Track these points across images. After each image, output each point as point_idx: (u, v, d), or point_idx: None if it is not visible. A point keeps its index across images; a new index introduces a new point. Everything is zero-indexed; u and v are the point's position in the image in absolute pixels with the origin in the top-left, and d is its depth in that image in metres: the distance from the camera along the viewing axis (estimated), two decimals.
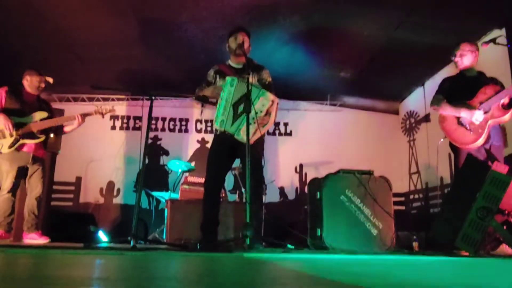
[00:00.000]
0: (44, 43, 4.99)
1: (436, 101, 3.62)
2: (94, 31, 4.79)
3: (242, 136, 3.03)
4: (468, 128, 3.43)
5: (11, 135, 3.84)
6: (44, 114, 4.05)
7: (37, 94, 4.14)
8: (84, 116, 4.11)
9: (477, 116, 3.36)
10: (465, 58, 3.58)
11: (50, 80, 4.14)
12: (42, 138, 4.00)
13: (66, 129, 4.24)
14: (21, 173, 3.94)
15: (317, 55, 5.38)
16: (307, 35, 4.85)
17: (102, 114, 4.14)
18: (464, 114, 3.44)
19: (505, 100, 3.32)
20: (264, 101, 3.09)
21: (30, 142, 3.93)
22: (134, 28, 4.71)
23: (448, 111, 3.54)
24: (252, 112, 3.02)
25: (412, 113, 6.38)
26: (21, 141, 3.89)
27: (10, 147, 3.84)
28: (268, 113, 3.11)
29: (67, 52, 5.22)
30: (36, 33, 4.75)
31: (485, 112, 3.36)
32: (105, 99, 6.64)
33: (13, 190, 3.87)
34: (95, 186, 6.45)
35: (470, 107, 3.43)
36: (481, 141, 3.36)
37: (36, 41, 4.94)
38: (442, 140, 3.72)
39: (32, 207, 4.00)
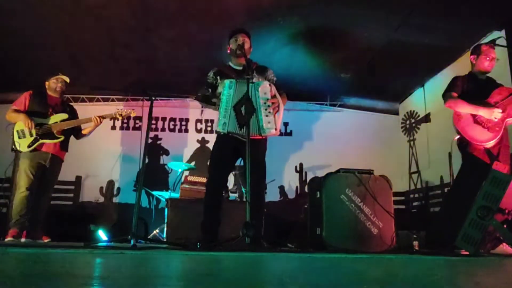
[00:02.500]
0: (44, 43, 4.99)
1: (451, 98, 3.59)
2: (94, 31, 4.79)
3: (267, 128, 3.16)
4: (484, 126, 3.43)
5: (31, 135, 3.95)
6: (64, 116, 4.16)
7: (60, 98, 4.27)
8: (101, 118, 4.19)
9: (496, 114, 3.37)
10: (493, 62, 3.58)
11: (66, 78, 4.25)
12: (61, 138, 4.09)
13: (84, 131, 4.33)
14: (40, 172, 4.00)
15: (317, 56, 5.37)
16: (306, 35, 4.85)
17: (122, 117, 4.25)
18: (482, 112, 3.44)
19: None
20: (264, 88, 3.19)
21: (49, 142, 4.04)
22: (133, 28, 4.71)
23: (466, 108, 3.52)
24: (262, 104, 3.16)
25: (412, 113, 6.38)
26: (40, 141, 3.99)
27: (29, 146, 3.96)
28: (272, 95, 3.23)
29: (67, 52, 5.22)
30: (36, 33, 4.75)
31: (502, 112, 3.38)
32: (105, 100, 6.65)
33: (31, 189, 3.92)
34: (95, 185, 6.45)
35: (488, 105, 3.43)
36: (497, 139, 3.38)
37: (36, 41, 4.94)
38: (456, 138, 3.71)
39: (42, 205, 4.09)
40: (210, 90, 3.49)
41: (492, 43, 3.56)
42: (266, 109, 3.17)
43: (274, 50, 5.07)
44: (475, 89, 3.56)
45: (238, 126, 3.15)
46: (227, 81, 3.21)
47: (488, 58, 3.55)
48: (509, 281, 1.38)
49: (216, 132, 3.38)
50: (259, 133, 3.19)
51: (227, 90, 3.18)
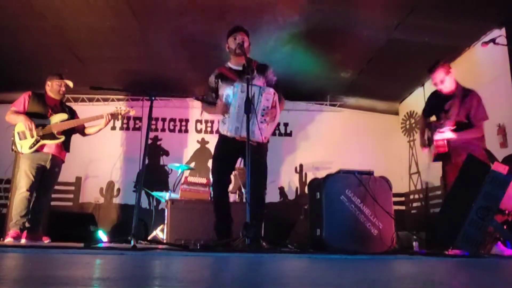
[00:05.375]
0: (44, 43, 4.98)
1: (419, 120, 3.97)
2: (94, 31, 4.79)
3: (257, 136, 3.12)
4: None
5: (32, 136, 3.96)
6: (64, 116, 4.18)
7: (59, 99, 4.28)
8: (111, 115, 4.20)
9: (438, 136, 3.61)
10: (446, 83, 3.68)
11: (70, 83, 4.26)
12: (62, 138, 4.11)
13: (89, 130, 4.32)
14: (40, 173, 4.01)
15: (317, 56, 5.37)
16: (306, 35, 4.85)
17: (121, 115, 4.27)
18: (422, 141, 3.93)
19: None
20: (267, 96, 3.17)
21: (50, 143, 4.05)
22: (134, 28, 4.71)
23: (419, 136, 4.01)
24: (261, 110, 3.14)
25: (412, 114, 6.37)
26: (41, 142, 4.00)
27: (30, 147, 3.97)
28: (273, 106, 3.22)
29: (67, 52, 5.22)
30: (36, 33, 4.75)
31: (442, 132, 3.59)
32: (105, 100, 6.65)
33: (31, 190, 3.93)
34: (95, 186, 6.45)
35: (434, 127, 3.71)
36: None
37: (36, 41, 4.94)
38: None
39: (42, 206, 4.11)
40: (214, 95, 3.48)
41: (492, 42, 3.57)
42: (262, 116, 3.16)
43: (274, 50, 5.07)
44: (438, 105, 3.80)
45: (252, 130, 3.14)
46: (237, 85, 3.18)
47: (444, 81, 3.69)
48: (509, 281, 1.38)
49: (222, 133, 3.35)
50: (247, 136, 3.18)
51: (239, 93, 3.15)
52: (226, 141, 3.34)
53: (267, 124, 3.20)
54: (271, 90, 3.21)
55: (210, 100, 3.46)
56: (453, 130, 3.54)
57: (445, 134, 3.55)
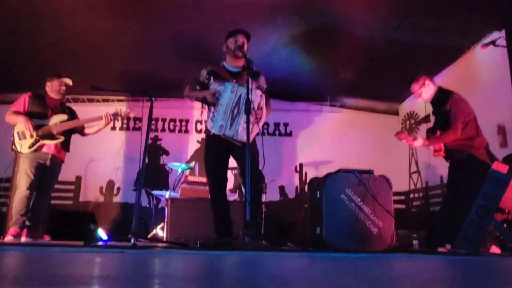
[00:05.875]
0: (44, 43, 4.98)
1: None
2: (94, 31, 4.78)
3: (241, 136, 3.07)
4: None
5: (31, 136, 3.96)
6: (64, 117, 4.18)
7: (60, 99, 4.28)
8: (111, 115, 4.19)
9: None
10: (423, 94, 3.72)
11: (69, 81, 4.26)
12: (61, 139, 4.11)
13: (88, 130, 4.35)
14: (40, 171, 4.01)
15: (317, 56, 5.37)
16: (306, 35, 4.85)
17: (121, 117, 4.30)
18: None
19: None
20: (253, 97, 3.14)
21: (50, 143, 4.05)
22: (134, 28, 4.70)
23: None
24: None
25: (412, 114, 6.37)
26: (41, 142, 4.01)
27: (30, 147, 3.97)
28: (259, 107, 3.20)
29: (67, 52, 5.22)
30: (36, 33, 4.75)
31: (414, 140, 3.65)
32: (105, 100, 6.65)
33: (31, 188, 3.93)
34: (95, 185, 6.45)
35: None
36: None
37: (36, 41, 4.93)
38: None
39: (42, 205, 4.11)
40: (198, 88, 3.45)
41: (492, 44, 3.57)
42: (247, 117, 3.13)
43: (274, 50, 5.06)
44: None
45: (236, 129, 3.13)
46: (229, 84, 3.18)
47: (421, 93, 3.73)
48: (509, 281, 1.38)
49: (208, 133, 3.33)
50: (232, 135, 3.17)
51: (229, 93, 3.15)
52: (212, 139, 3.32)
53: (252, 125, 3.14)
54: (258, 92, 3.21)
55: (209, 100, 3.42)
56: (440, 134, 3.56)
57: (416, 142, 3.57)
